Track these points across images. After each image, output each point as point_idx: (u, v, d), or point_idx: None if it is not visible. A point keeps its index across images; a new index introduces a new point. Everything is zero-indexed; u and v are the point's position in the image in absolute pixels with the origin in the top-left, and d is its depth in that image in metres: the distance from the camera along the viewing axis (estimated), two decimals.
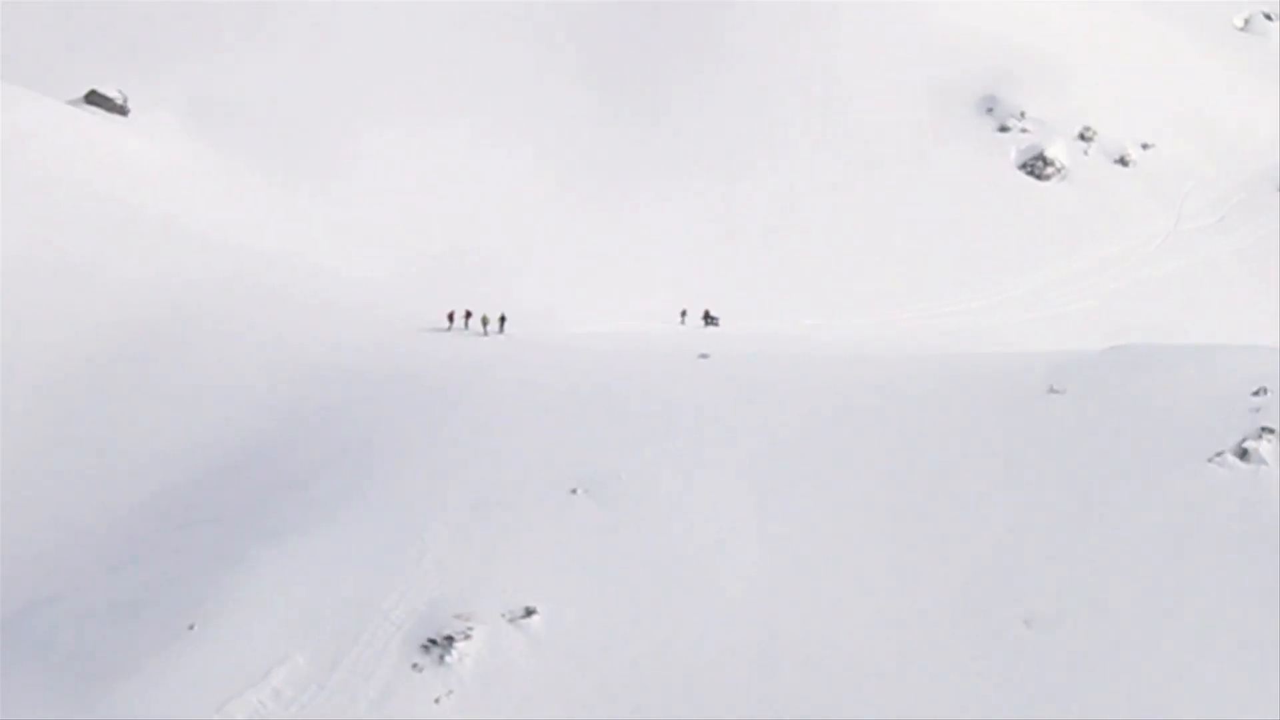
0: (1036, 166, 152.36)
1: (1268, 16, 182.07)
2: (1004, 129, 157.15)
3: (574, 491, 62.33)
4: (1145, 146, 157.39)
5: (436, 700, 52.36)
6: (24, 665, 56.02)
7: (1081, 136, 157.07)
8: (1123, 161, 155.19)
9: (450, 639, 54.28)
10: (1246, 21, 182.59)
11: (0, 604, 61.99)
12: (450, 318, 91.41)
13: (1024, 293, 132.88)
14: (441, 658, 53.68)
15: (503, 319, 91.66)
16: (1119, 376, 68.33)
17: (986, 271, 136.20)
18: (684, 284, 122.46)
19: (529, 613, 55.47)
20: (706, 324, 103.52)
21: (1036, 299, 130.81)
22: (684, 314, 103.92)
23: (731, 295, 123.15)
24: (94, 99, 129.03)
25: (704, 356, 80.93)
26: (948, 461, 62.69)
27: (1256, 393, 63.48)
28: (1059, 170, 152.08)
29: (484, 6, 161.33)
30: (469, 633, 54.54)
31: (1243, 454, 59.46)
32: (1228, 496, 57.62)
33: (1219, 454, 59.83)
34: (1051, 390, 67.26)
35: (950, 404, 67.94)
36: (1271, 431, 59.98)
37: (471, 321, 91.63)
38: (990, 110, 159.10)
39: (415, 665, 53.50)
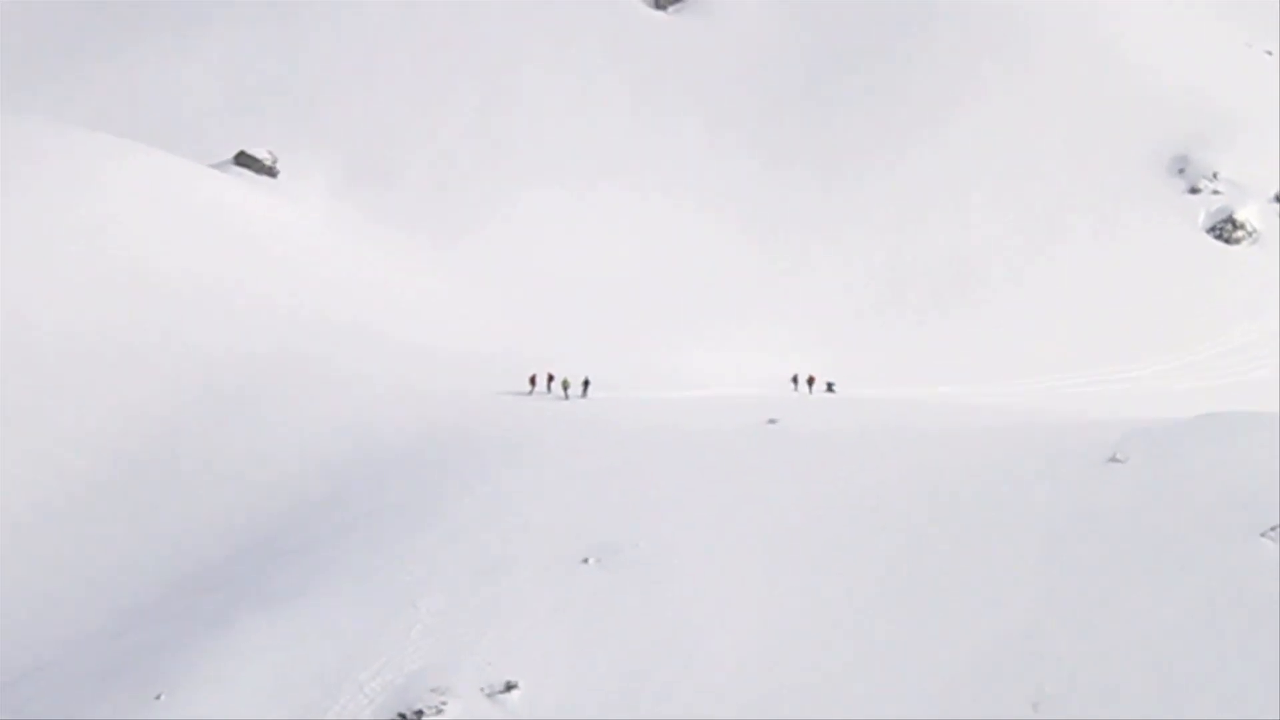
0: (1225, 230, 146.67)
1: None
2: (1194, 190, 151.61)
3: (585, 560, 59.95)
4: None
5: None
6: None
7: (1278, 199, 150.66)
8: None
9: (420, 714, 52.12)
10: None
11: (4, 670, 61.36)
12: (532, 381, 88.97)
13: (1197, 360, 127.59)
14: None
15: (586, 383, 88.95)
16: (1190, 446, 64.16)
17: (1161, 338, 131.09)
18: (830, 348, 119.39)
19: (509, 687, 53.33)
20: (811, 389, 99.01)
21: (1207, 367, 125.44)
22: (795, 380, 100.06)
23: (883, 360, 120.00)
24: (243, 160, 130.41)
25: (772, 422, 77.73)
26: (982, 536, 59.28)
27: None
28: (1249, 234, 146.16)
29: (652, 70, 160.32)
30: (441, 707, 52.47)
31: None
32: (1271, 573, 53.13)
33: (1273, 528, 55.32)
34: (1113, 459, 63.16)
35: (1003, 476, 64.25)
36: None
37: (553, 385, 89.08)
38: (1181, 171, 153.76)
39: None
